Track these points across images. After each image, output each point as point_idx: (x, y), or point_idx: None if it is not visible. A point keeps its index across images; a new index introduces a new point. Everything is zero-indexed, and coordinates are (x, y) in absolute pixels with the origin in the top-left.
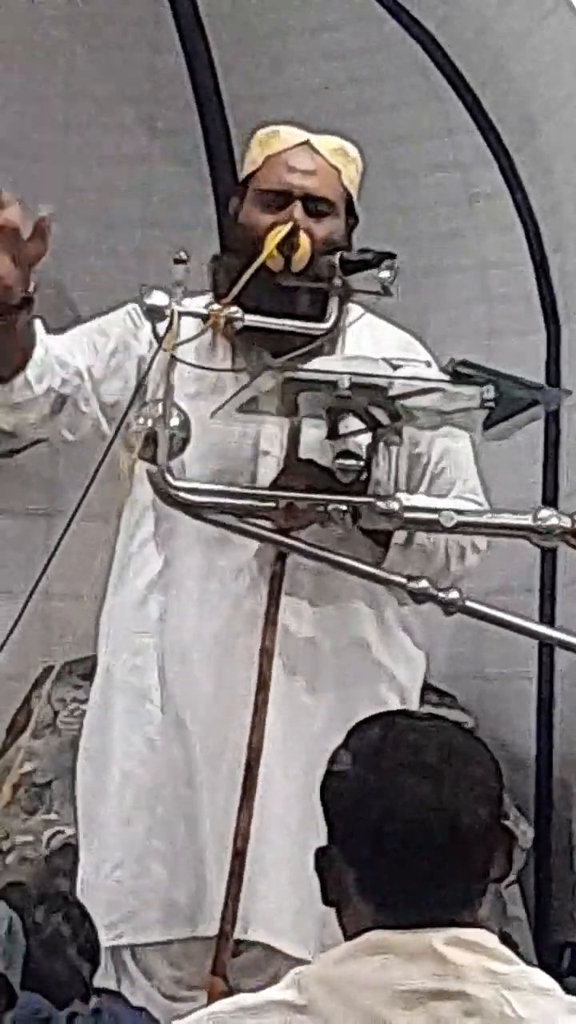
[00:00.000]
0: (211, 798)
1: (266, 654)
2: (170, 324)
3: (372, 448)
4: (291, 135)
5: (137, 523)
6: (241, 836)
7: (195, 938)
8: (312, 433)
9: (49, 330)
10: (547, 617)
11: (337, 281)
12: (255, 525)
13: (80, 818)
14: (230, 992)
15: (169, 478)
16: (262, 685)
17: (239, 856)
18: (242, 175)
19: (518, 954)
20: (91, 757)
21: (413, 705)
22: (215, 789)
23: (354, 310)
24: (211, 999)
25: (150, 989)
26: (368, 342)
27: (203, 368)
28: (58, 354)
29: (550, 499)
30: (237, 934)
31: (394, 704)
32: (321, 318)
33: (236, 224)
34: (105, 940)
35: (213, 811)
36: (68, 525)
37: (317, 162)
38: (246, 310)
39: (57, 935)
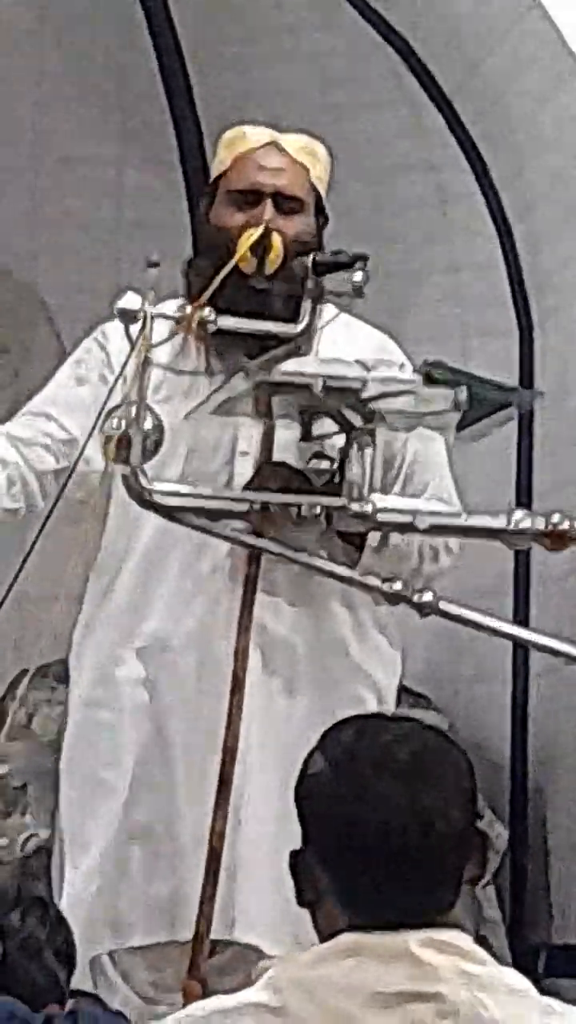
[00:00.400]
0: (190, 800)
1: (240, 655)
2: (143, 327)
3: (345, 450)
4: (258, 135)
5: (115, 527)
6: (216, 837)
7: (175, 942)
8: (287, 435)
9: (18, 327)
10: (521, 619)
11: (310, 283)
12: (229, 527)
13: (65, 832)
14: (207, 994)
15: (143, 480)
16: (236, 686)
17: (214, 858)
18: (212, 176)
19: (493, 955)
20: (72, 771)
21: (390, 706)
22: (193, 791)
23: (329, 310)
24: (187, 1002)
25: (128, 992)
26: (343, 343)
27: (176, 371)
28: (50, 431)
29: (524, 501)
30: (220, 934)
31: (372, 704)
32: (294, 319)
33: (207, 226)
34: (88, 950)
35: (192, 814)
36: (42, 527)
37: (285, 160)
38: (219, 312)
39: (33, 939)
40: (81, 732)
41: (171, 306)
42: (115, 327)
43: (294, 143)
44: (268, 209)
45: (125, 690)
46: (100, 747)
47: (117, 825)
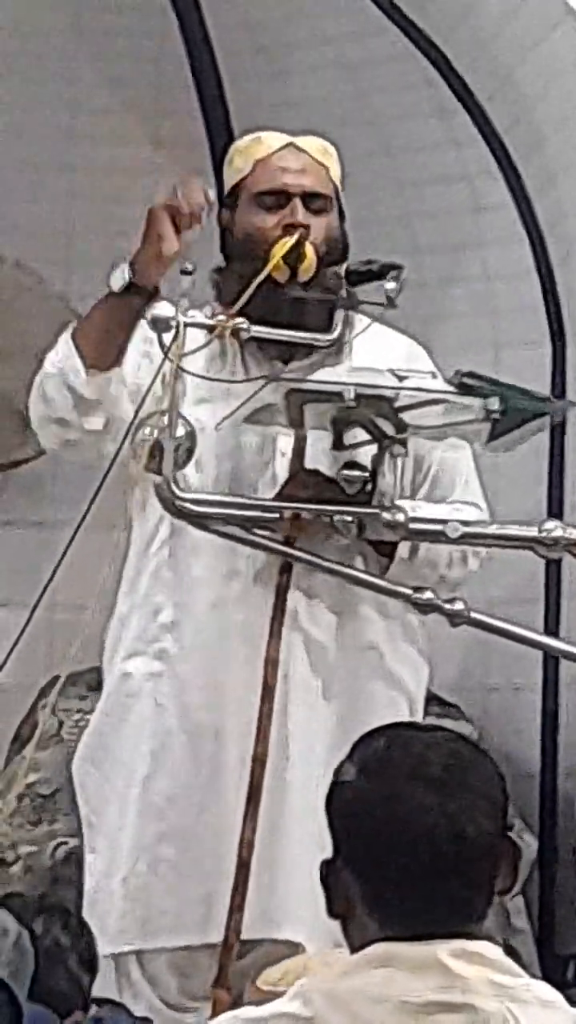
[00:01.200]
0: (222, 804)
1: (271, 664)
2: (175, 335)
3: (378, 459)
4: (274, 138)
5: (152, 531)
6: (246, 846)
7: (207, 945)
8: (323, 443)
9: (49, 335)
10: (552, 628)
11: (343, 292)
12: (261, 535)
13: (84, 824)
14: (235, 1004)
15: (175, 489)
16: (267, 695)
17: (243, 867)
18: (227, 187)
19: (522, 966)
20: (98, 762)
21: (419, 714)
22: (226, 795)
23: (361, 320)
24: (215, 1011)
25: (153, 999)
26: (374, 353)
27: (209, 379)
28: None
29: (555, 511)
30: (262, 933)
31: (404, 710)
32: (327, 329)
33: (233, 233)
34: (114, 947)
35: (225, 818)
36: (74, 535)
37: (305, 161)
38: (252, 320)
39: (56, 946)
40: (109, 723)
41: (199, 314)
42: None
43: (311, 144)
44: (299, 209)
45: (146, 685)
46: (127, 741)
47: (146, 823)
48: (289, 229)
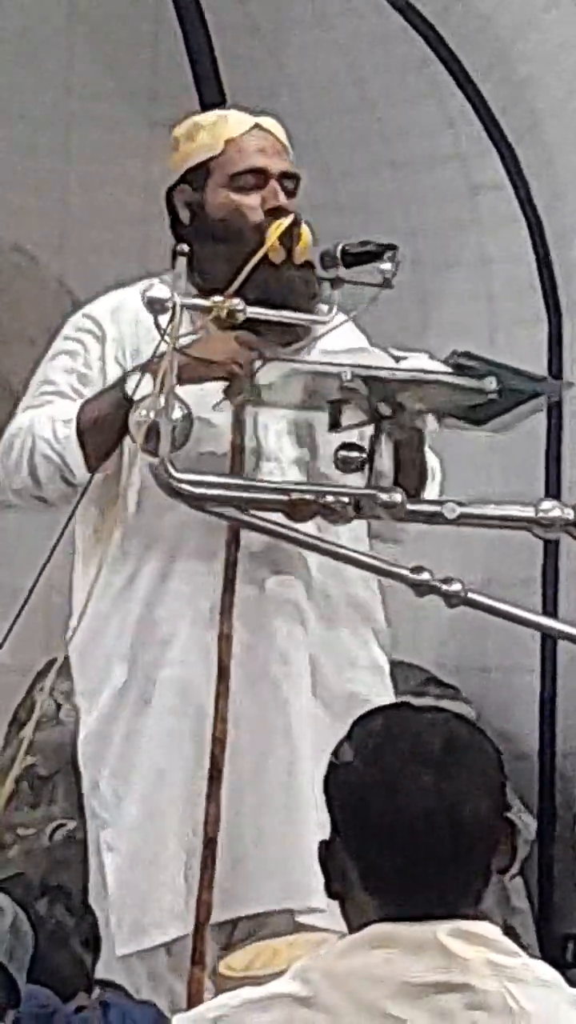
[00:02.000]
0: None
1: (225, 640)
2: (172, 316)
3: (374, 440)
4: (241, 118)
5: (139, 518)
6: (211, 824)
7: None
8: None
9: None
10: (550, 609)
11: (337, 273)
12: (256, 516)
13: (102, 828)
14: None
15: (171, 470)
16: (222, 673)
17: (211, 844)
18: (188, 163)
19: (521, 946)
20: (114, 769)
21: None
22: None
23: (338, 317)
24: (191, 988)
25: (174, 982)
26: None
27: (207, 360)
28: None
29: (553, 491)
30: (277, 904)
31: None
32: (309, 310)
33: (203, 212)
34: (140, 944)
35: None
36: (70, 517)
37: (273, 142)
38: (248, 302)
39: (60, 927)
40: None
41: (161, 290)
42: (102, 312)
43: (274, 126)
44: (279, 191)
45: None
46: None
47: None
48: (275, 211)
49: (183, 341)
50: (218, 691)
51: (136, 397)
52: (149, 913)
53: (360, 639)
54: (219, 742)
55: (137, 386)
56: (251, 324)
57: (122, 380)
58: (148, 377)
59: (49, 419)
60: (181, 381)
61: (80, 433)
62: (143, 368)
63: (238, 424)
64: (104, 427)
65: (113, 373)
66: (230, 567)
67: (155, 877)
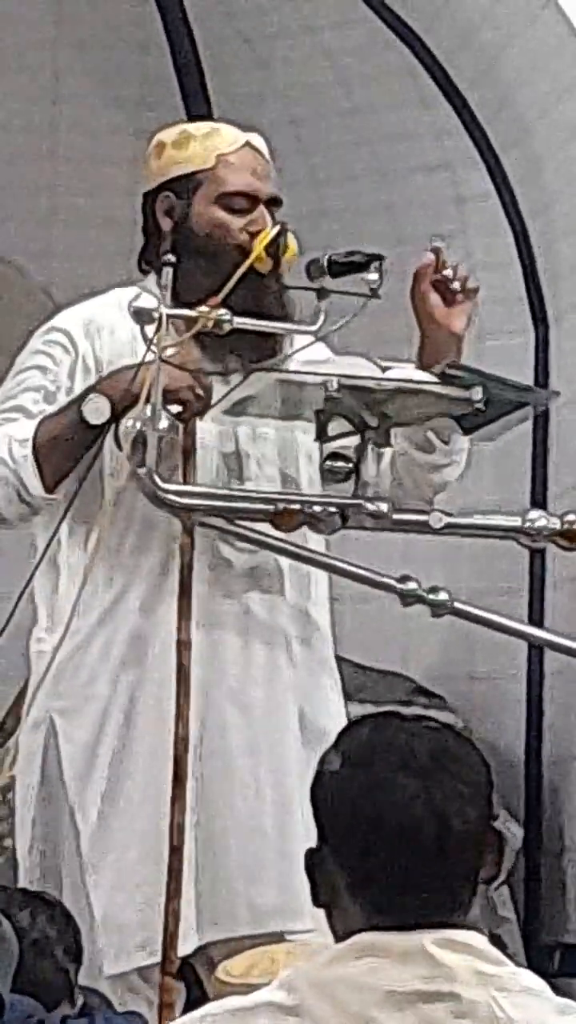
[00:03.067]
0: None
1: (184, 647)
2: (158, 327)
3: (360, 450)
4: (232, 132)
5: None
6: (176, 831)
7: (252, 936)
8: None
9: (29, 326)
10: (536, 618)
11: (322, 284)
12: (244, 527)
13: (88, 847)
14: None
15: (158, 480)
16: (182, 677)
17: (176, 852)
18: (174, 171)
19: (508, 955)
20: (101, 789)
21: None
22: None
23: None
24: (162, 999)
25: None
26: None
27: (191, 371)
28: None
29: (539, 501)
30: (285, 926)
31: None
32: (285, 319)
33: (187, 225)
34: (139, 960)
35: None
36: (60, 522)
37: (263, 163)
38: (235, 313)
39: (44, 938)
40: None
41: (147, 300)
42: (75, 325)
43: (261, 144)
44: (267, 215)
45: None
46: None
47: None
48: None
49: (168, 352)
50: (179, 694)
51: (93, 421)
52: (140, 933)
53: (329, 675)
54: (182, 743)
55: (93, 409)
56: (228, 336)
57: (79, 400)
58: (104, 399)
59: (6, 438)
60: (135, 403)
61: (36, 453)
62: (95, 388)
63: (186, 431)
64: (60, 448)
65: (81, 390)
66: (186, 572)
67: (144, 897)
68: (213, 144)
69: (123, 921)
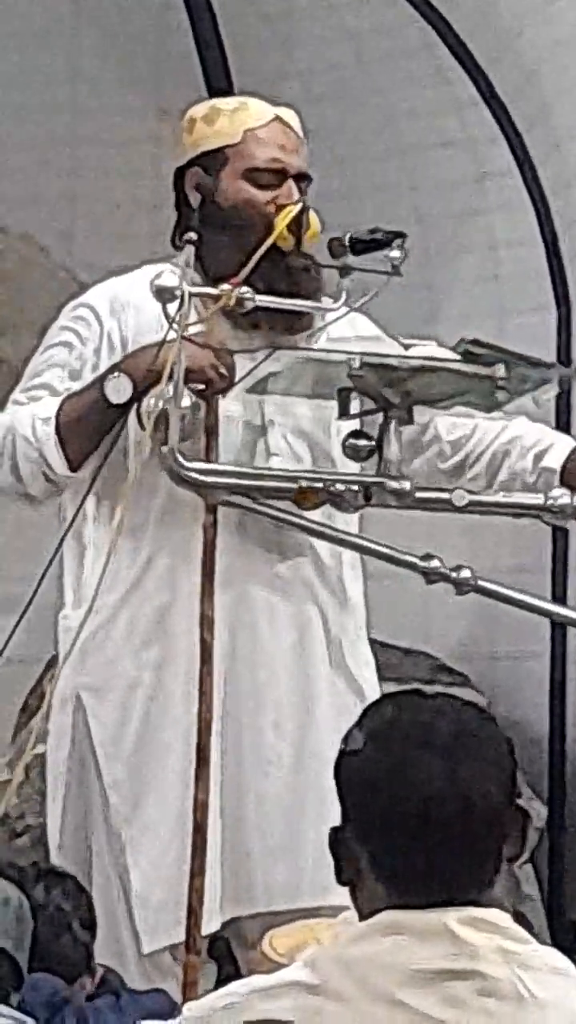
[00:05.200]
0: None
1: (207, 623)
2: (180, 304)
3: (383, 428)
4: (261, 107)
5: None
6: (200, 809)
7: (295, 910)
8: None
9: (53, 306)
10: (559, 596)
11: (346, 261)
12: (266, 505)
13: (123, 824)
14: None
15: (180, 459)
16: (206, 654)
17: (199, 830)
18: (203, 147)
19: (531, 933)
20: (133, 766)
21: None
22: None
23: (335, 307)
24: (187, 976)
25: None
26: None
27: (216, 349)
28: None
29: None
30: (318, 902)
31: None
32: (315, 296)
33: (214, 200)
34: (175, 937)
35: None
36: (78, 509)
37: (294, 138)
38: (257, 291)
39: (59, 911)
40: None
41: (169, 279)
42: (102, 302)
43: (293, 119)
44: (295, 191)
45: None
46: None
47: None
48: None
49: (191, 330)
50: (202, 672)
51: (115, 400)
52: (174, 911)
53: (357, 633)
54: (205, 723)
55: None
56: (255, 312)
57: (102, 379)
58: (126, 378)
59: (30, 417)
60: (157, 381)
61: (59, 431)
62: (117, 367)
63: (209, 409)
64: (82, 428)
65: (106, 367)
66: (209, 549)
67: (178, 874)
68: (241, 119)
69: (159, 898)
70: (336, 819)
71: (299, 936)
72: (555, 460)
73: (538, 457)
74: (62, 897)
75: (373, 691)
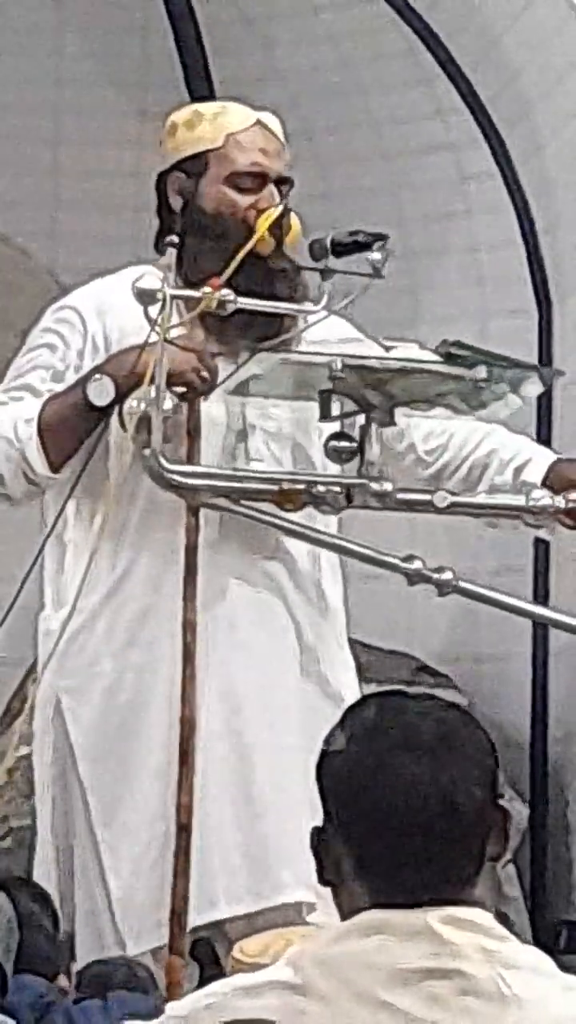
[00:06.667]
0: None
1: (189, 627)
2: (162, 307)
3: (364, 430)
4: (242, 112)
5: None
6: (184, 811)
7: (266, 911)
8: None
9: (33, 307)
10: (541, 597)
11: (327, 264)
12: (248, 507)
13: (102, 827)
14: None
15: (163, 461)
16: (188, 657)
17: (183, 831)
18: (185, 151)
19: (513, 933)
20: (112, 769)
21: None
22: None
23: (313, 312)
24: (170, 977)
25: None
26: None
27: (197, 351)
28: None
29: None
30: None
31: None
32: (295, 299)
33: (195, 204)
34: (156, 940)
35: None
36: (61, 509)
37: (273, 141)
38: (238, 293)
39: (30, 913)
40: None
41: (151, 282)
42: (86, 304)
43: (274, 123)
44: (276, 194)
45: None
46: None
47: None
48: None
49: (173, 332)
50: (184, 675)
51: (97, 402)
52: (155, 914)
53: (335, 638)
54: (188, 725)
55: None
56: (233, 316)
57: (84, 381)
58: (108, 380)
59: (12, 418)
60: (139, 384)
61: (41, 433)
62: (100, 369)
63: (191, 411)
64: (64, 428)
65: (89, 368)
66: (191, 553)
67: (158, 877)
68: (222, 124)
69: (140, 901)
70: (299, 819)
71: (268, 940)
72: (534, 474)
73: (518, 471)
74: (29, 900)
75: (353, 694)
